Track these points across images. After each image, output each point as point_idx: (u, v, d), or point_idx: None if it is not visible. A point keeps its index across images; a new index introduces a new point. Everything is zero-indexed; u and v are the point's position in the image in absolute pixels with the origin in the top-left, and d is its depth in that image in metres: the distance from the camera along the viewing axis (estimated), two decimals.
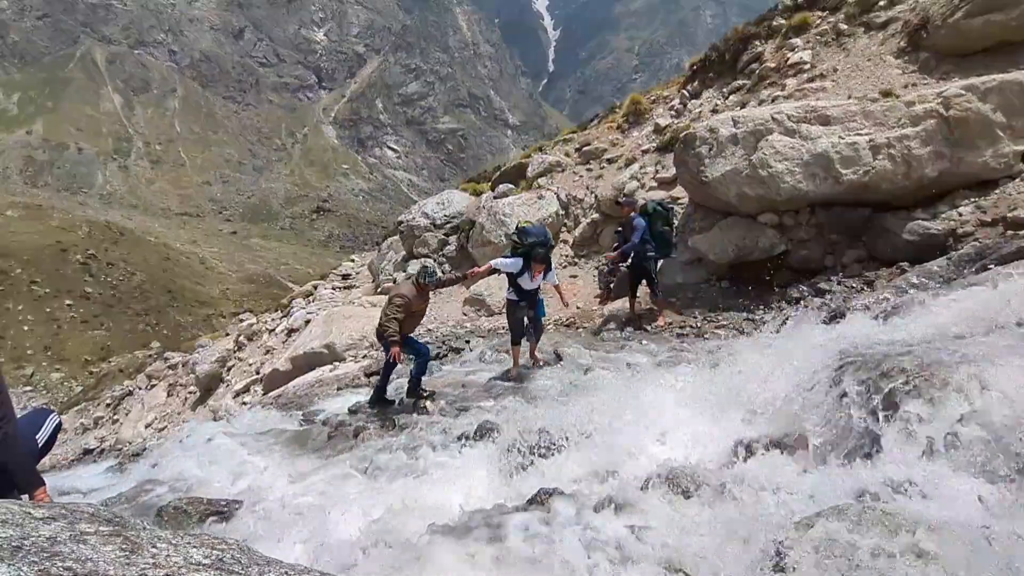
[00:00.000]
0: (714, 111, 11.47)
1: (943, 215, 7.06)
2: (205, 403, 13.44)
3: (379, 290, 13.99)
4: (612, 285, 9.49)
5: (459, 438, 4.62)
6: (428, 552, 2.70)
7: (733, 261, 8.44)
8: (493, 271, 6.58)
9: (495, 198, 12.74)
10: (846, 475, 2.66)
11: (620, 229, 8.45)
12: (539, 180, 13.32)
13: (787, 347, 4.30)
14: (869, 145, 7.33)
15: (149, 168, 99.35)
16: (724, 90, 12.20)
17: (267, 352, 13.60)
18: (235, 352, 14.98)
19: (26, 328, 43.14)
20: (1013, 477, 2.30)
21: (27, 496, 2.50)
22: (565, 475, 3.53)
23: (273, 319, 16.31)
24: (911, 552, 1.93)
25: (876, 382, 2.97)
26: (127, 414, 16.25)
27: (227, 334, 18.58)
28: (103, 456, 11.56)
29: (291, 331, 13.55)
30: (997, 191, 6.95)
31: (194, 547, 1.57)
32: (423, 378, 6.15)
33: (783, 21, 11.66)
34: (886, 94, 7.87)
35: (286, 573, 1.61)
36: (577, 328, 8.99)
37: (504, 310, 6.96)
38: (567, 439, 3.90)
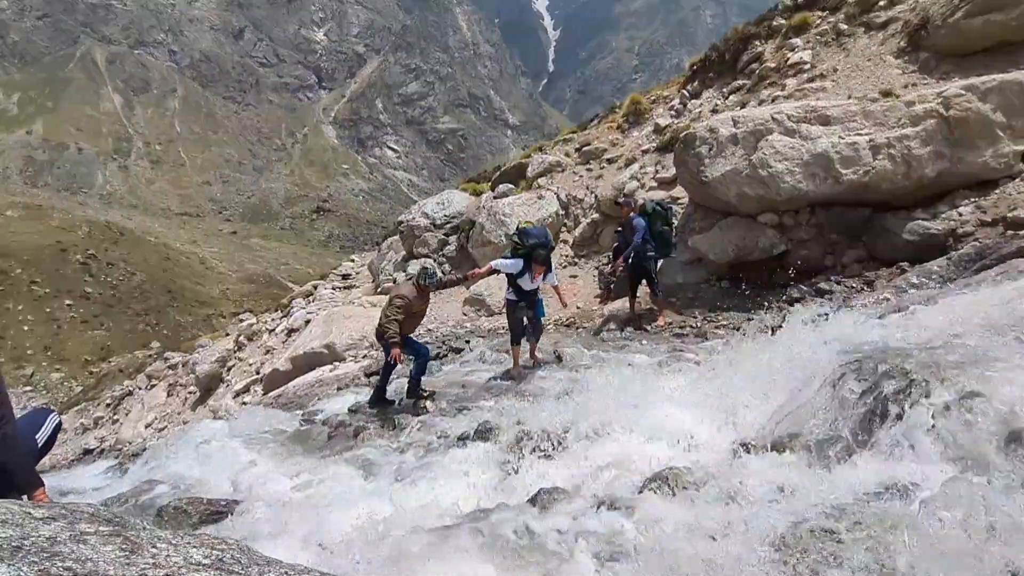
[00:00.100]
0: (714, 111, 11.47)
1: (943, 215, 7.07)
2: (205, 403, 13.44)
3: (379, 290, 13.99)
4: (612, 285, 9.49)
5: (459, 438, 4.62)
6: (428, 552, 2.70)
7: (733, 261, 8.44)
8: (493, 272, 6.59)
9: (495, 198, 12.74)
10: (846, 475, 2.66)
11: (620, 229, 8.45)
12: (539, 180, 13.32)
13: (787, 347, 4.30)
14: (869, 145, 7.34)
15: (149, 168, 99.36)
16: (724, 90, 12.20)
17: (267, 352, 13.60)
18: (235, 352, 14.98)
19: (26, 328, 43.15)
20: (1013, 477, 2.30)
21: (26, 497, 2.49)
22: (565, 475, 3.53)
23: (273, 319, 16.31)
24: (911, 552, 1.93)
25: (876, 382, 2.97)
26: (127, 414, 16.25)
27: (227, 334, 18.58)
28: (103, 456, 11.56)
29: (291, 331, 13.55)
30: (997, 191, 6.96)
31: (194, 547, 1.57)
32: (423, 378, 6.16)
33: (783, 21, 11.66)
34: (886, 94, 7.87)
35: (286, 573, 1.61)
36: (577, 328, 8.99)
37: (504, 310, 6.96)
38: (567, 439, 3.90)
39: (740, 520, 2.48)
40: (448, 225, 13.81)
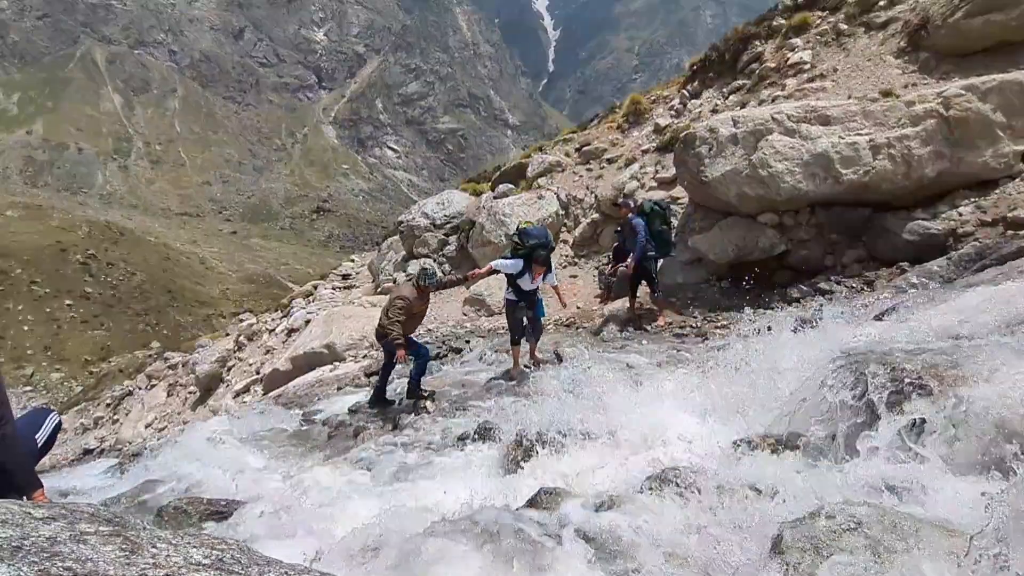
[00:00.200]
0: (714, 111, 11.47)
1: (943, 215, 7.07)
2: (205, 403, 13.44)
3: (379, 290, 13.99)
4: (612, 285, 9.49)
5: (459, 438, 4.62)
6: (428, 552, 2.70)
7: (733, 261, 8.44)
8: (493, 272, 6.59)
9: (495, 198, 12.74)
10: (845, 475, 2.66)
11: (620, 229, 8.46)
12: (539, 180, 13.33)
13: (787, 347, 4.30)
14: (869, 145, 7.34)
15: (149, 168, 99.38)
16: (724, 90, 12.20)
17: (267, 352, 13.61)
18: (235, 352, 14.98)
19: (26, 328, 43.15)
20: (1012, 478, 2.30)
21: (25, 497, 2.49)
22: (565, 475, 3.53)
23: (273, 319, 16.31)
24: (910, 551, 1.93)
25: (875, 382, 2.97)
26: (127, 414, 16.25)
27: (227, 334, 18.58)
28: (103, 456, 11.57)
29: (291, 331, 13.55)
30: (997, 191, 6.96)
31: (194, 547, 1.57)
32: (423, 378, 6.16)
33: (783, 21, 11.66)
34: (886, 94, 7.87)
35: (286, 573, 1.61)
36: (577, 328, 8.99)
37: (504, 310, 6.97)
38: (567, 439, 3.90)
39: (740, 520, 2.48)
40: (448, 225, 13.81)
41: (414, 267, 11.97)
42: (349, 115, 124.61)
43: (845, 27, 10.12)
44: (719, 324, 7.56)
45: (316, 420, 6.31)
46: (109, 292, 48.76)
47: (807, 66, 10.18)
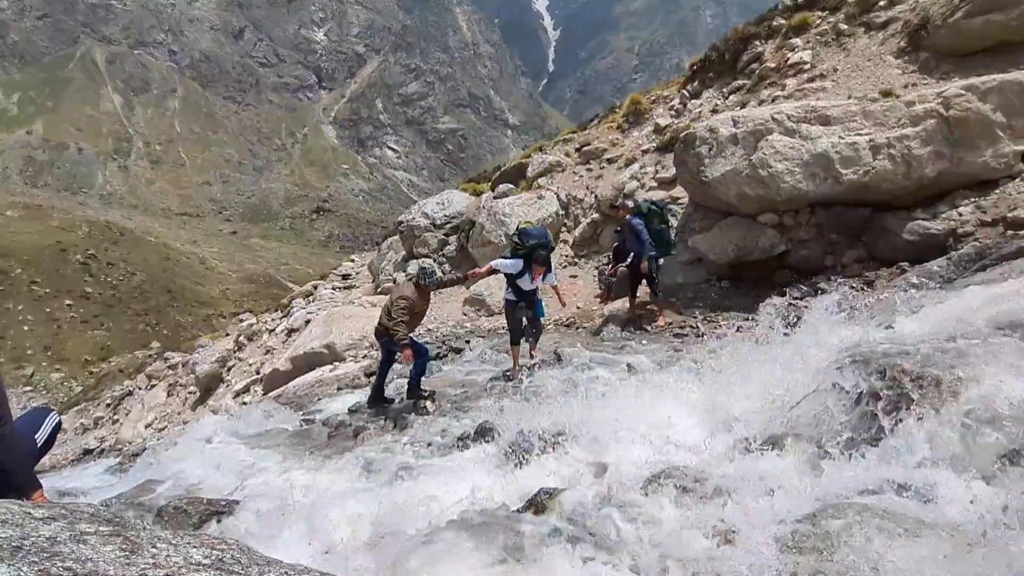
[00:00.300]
0: (714, 111, 11.47)
1: (943, 215, 7.07)
2: (205, 403, 13.44)
3: (379, 290, 13.99)
4: (612, 285, 9.49)
5: (459, 438, 4.62)
6: (427, 552, 2.70)
7: (733, 261, 8.44)
8: (493, 272, 6.59)
9: (495, 198, 12.74)
10: (844, 475, 2.66)
11: (619, 230, 8.46)
12: (539, 180, 13.32)
13: (787, 347, 4.30)
14: (869, 145, 7.34)
15: (149, 168, 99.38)
16: (724, 90, 12.20)
17: (267, 352, 13.61)
18: (235, 352, 14.98)
19: (26, 328, 43.15)
20: (1012, 477, 2.30)
21: (24, 498, 2.48)
22: (565, 475, 3.53)
23: (273, 319, 16.31)
24: (910, 552, 1.93)
25: (875, 382, 2.97)
26: (127, 414, 16.25)
27: (227, 334, 18.58)
28: (103, 456, 11.57)
29: (291, 331, 13.55)
30: (997, 191, 6.96)
31: (194, 547, 1.57)
32: (423, 378, 6.16)
33: (783, 21, 11.66)
34: (886, 94, 7.87)
35: (286, 573, 1.61)
36: (577, 328, 8.99)
37: (503, 310, 6.97)
38: (567, 439, 3.90)
39: (739, 519, 2.48)
40: (448, 225, 13.81)
41: (414, 267, 11.97)
42: (349, 115, 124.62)
43: (845, 27, 10.12)
44: (719, 324, 7.56)
45: (316, 420, 6.31)
46: (109, 292, 48.76)
47: (807, 66, 10.18)
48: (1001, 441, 2.43)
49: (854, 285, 7.05)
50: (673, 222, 9.83)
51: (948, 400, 2.68)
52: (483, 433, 4.46)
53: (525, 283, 6.35)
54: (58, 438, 3.25)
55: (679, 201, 10.17)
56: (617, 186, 11.22)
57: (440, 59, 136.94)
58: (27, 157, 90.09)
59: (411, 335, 6.11)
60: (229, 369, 14.25)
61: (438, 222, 13.87)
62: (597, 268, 10.62)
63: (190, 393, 14.68)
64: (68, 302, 45.91)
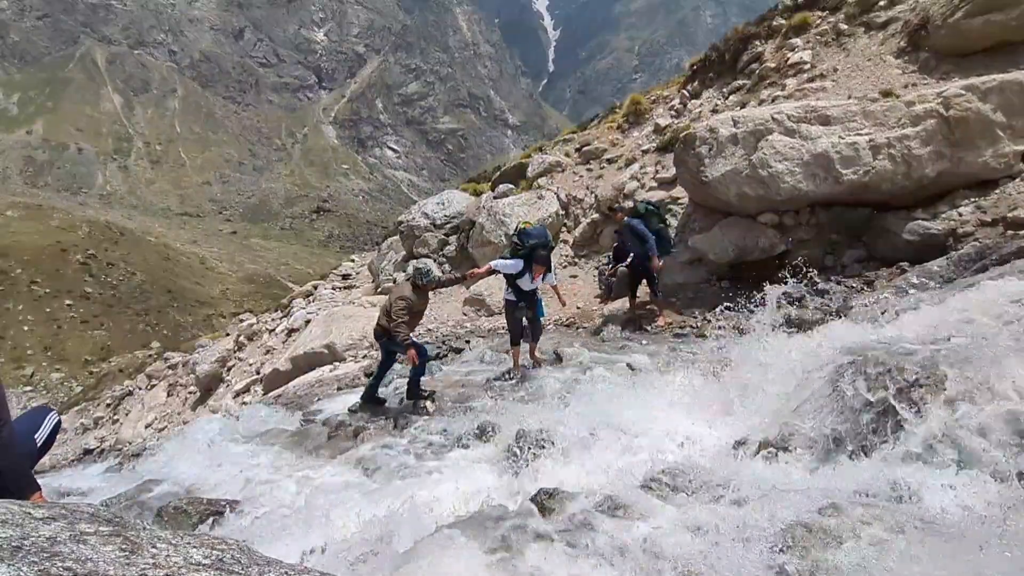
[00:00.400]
0: (714, 111, 11.47)
1: (943, 215, 7.06)
2: (205, 403, 13.44)
3: (379, 290, 13.99)
4: (612, 285, 9.49)
5: (459, 438, 4.62)
6: (428, 552, 2.70)
7: (733, 261, 8.44)
8: (492, 272, 6.58)
9: (495, 198, 12.74)
10: (844, 474, 2.66)
11: (619, 231, 8.45)
12: (539, 180, 13.32)
13: (787, 347, 4.30)
14: (869, 145, 7.33)
15: (149, 168, 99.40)
16: (724, 90, 12.20)
17: (267, 352, 13.60)
18: (235, 352, 14.98)
19: (26, 328, 43.14)
20: (1012, 477, 2.30)
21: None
22: (565, 475, 3.53)
23: (273, 319, 16.30)
24: (910, 551, 1.93)
25: (875, 382, 2.97)
26: (127, 414, 16.24)
27: (227, 334, 18.57)
28: (103, 456, 11.57)
29: (291, 331, 13.54)
30: (997, 191, 6.95)
31: (194, 547, 1.57)
32: (423, 378, 6.15)
33: (783, 21, 11.66)
34: (886, 94, 7.87)
35: (286, 573, 1.61)
36: (577, 328, 8.99)
37: (503, 310, 6.97)
38: (567, 439, 3.90)
39: (739, 519, 2.48)
40: (448, 225, 13.80)
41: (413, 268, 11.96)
42: (349, 115, 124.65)
43: (845, 27, 10.12)
44: (719, 324, 7.56)
45: (316, 420, 6.30)
46: (109, 292, 48.76)
47: (807, 66, 10.18)
48: (1001, 441, 2.43)
49: (854, 285, 7.06)
50: (673, 222, 9.84)
51: (948, 399, 2.68)
52: (483, 433, 4.46)
53: (525, 283, 6.34)
54: (58, 438, 3.25)
55: (679, 201, 10.17)
56: (617, 186, 11.22)
57: (440, 59, 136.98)
58: (27, 157, 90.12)
59: (411, 335, 6.11)
60: (229, 369, 14.25)
61: (438, 222, 13.86)
62: (597, 268, 10.62)
63: (190, 393, 14.68)
64: (68, 302, 45.90)
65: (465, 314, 10.95)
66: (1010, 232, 6.29)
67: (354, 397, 6.91)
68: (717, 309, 7.24)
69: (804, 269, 6.43)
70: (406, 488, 3.84)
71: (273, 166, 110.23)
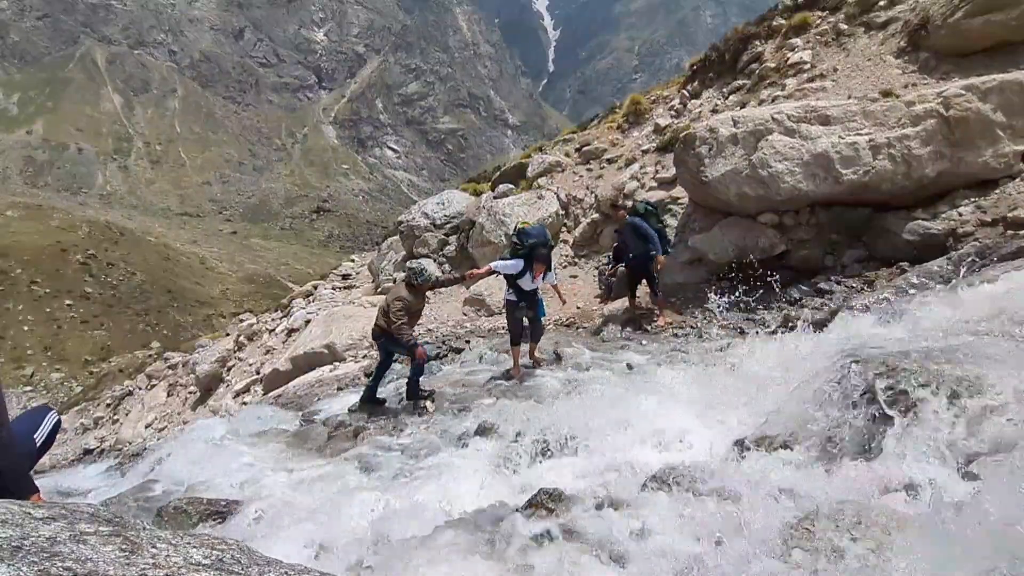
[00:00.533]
0: (714, 111, 11.47)
1: (943, 215, 7.06)
2: (205, 403, 13.44)
3: (379, 290, 13.99)
4: (612, 285, 9.49)
5: (459, 438, 4.62)
6: (427, 552, 2.70)
7: (733, 261, 8.44)
8: (492, 273, 6.58)
9: (495, 198, 12.74)
10: (844, 474, 2.66)
11: (619, 230, 8.47)
12: (539, 180, 13.32)
13: (787, 347, 4.30)
14: (869, 145, 7.33)
15: (149, 168, 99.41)
16: (724, 90, 12.19)
17: (267, 352, 13.60)
18: (235, 352, 14.98)
19: (26, 328, 43.14)
20: (1012, 477, 2.30)
21: None
22: (565, 475, 3.53)
23: (273, 319, 16.30)
24: (911, 551, 1.93)
25: (876, 382, 2.97)
26: (127, 414, 16.24)
27: (227, 334, 18.57)
28: (103, 456, 11.57)
29: (291, 331, 13.55)
30: (997, 191, 6.95)
31: (194, 547, 1.57)
32: (423, 378, 6.15)
33: (783, 21, 11.66)
34: (886, 94, 7.87)
35: (286, 573, 1.61)
36: (577, 328, 8.99)
37: (504, 310, 6.97)
38: (567, 439, 3.90)
39: (740, 519, 2.48)
40: (448, 225, 13.80)
41: None
42: (349, 115, 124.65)
43: (845, 27, 10.12)
44: (719, 324, 7.56)
45: (316, 420, 6.30)
46: (109, 292, 48.75)
47: (807, 66, 10.18)
48: (1002, 441, 2.43)
49: (854, 285, 7.06)
50: (673, 222, 9.85)
51: (949, 399, 2.68)
52: (483, 433, 4.46)
53: (526, 283, 6.34)
54: (58, 438, 3.24)
55: (679, 201, 10.16)
56: (617, 186, 11.22)
57: (440, 59, 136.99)
58: (27, 157, 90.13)
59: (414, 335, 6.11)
60: (229, 369, 14.25)
61: (438, 222, 13.86)
62: (597, 268, 10.63)
63: (190, 393, 14.68)
64: (68, 302, 45.90)
65: (465, 314, 10.95)
66: (1010, 232, 6.29)
67: (354, 397, 6.91)
68: (717, 309, 7.23)
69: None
70: (406, 488, 3.84)
71: (273, 166, 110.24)
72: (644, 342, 7.41)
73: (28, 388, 38.35)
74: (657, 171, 11.14)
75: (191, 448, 5.64)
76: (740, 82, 11.78)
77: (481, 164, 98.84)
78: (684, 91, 13.39)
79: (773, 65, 10.97)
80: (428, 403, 5.92)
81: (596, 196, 11.71)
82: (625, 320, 8.43)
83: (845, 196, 7.61)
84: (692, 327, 7.71)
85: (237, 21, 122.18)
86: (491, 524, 2.89)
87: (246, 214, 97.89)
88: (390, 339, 5.90)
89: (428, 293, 6.61)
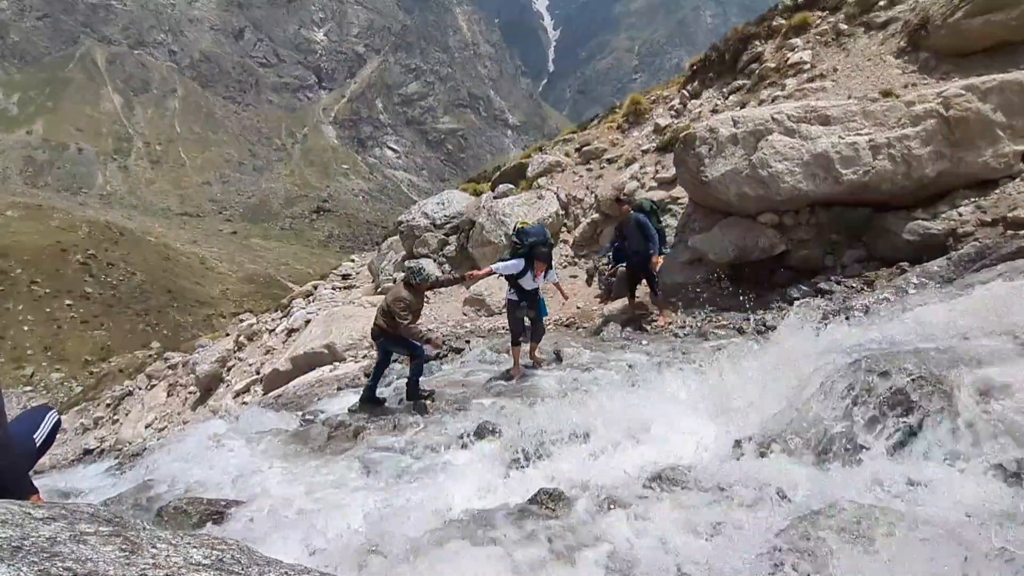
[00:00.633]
0: (714, 111, 11.47)
1: (943, 215, 7.06)
2: (205, 403, 13.44)
3: (379, 290, 14.00)
4: (612, 285, 9.50)
5: (459, 438, 4.62)
6: (427, 552, 2.70)
7: (733, 261, 8.44)
8: (493, 274, 6.58)
9: (495, 198, 12.75)
10: (844, 475, 2.66)
11: (618, 229, 8.46)
12: (539, 180, 13.32)
13: (786, 347, 4.30)
14: (869, 145, 7.33)
15: (149, 168, 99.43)
16: (724, 90, 12.20)
17: (267, 352, 13.60)
18: (235, 352, 14.98)
19: (26, 328, 43.15)
20: (1012, 477, 2.30)
21: None
22: (565, 475, 3.53)
23: (273, 319, 16.31)
24: (910, 550, 1.93)
25: (875, 382, 2.97)
26: (127, 414, 16.24)
27: (227, 334, 18.57)
28: (103, 456, 11.56)
29: (291, 331, 13.55)
30: (997, 191, 6.95)
31: (194, 547, 1.57)
32: (422, 378, 6.15)
33: (783, 21, 11.66)
34: (886, 94, 7.87)
35: (286, 573, 1.61)
36: (577, 328, 8.99)
37: (504, 310, 6.97)
38: (567, 439, 3.90)
39: (739, 519, 2.48)
40: (448, 225, 13.81)
41: None
42: (349, 115, 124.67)
43: (845, 27, 10.12)
44: (719, 324, 7.56)
45: (316, 420, 6.30)
46: (109, 292, 48.77)
47: (807, 66, 10.18)
48: (1002, 440, 2.43)
49: (854, 285, 7.06)
50: (673, 222, 9.86)
51: (948, 399, 2.68)
52: (483, 433, 4.46)
53: (527, 282, 6.35)
54: (58, 438, 3.23)
55: (679, 201, 10.17)
56: (617, 186, 11.22)
57: (440, 59, 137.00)
58: (27, 157, 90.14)
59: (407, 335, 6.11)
60: (229, 369, 14.25)
61: (438, 222, 13.87)
62: (597, 268, 10.62)
63: (190, 393, 14.68)
64: (68, 302, 45.91)
65: (465, 314, 10.95)
66: (1010, 232, 6.29)
67: (354, 397, 6.91)
68: (718, 310, 7.23)
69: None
70: (406, 488, 3.84)
71: (273, 166, 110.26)
72: (644, 342, 7.41)
73: (28, 388, 38.37)
74: (657, 171, 11.14)
75: (191, 448, 5.64)
76: (740, 82, 11.78)
77: (481, 164, 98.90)
78: (684, 91, 13.39)
79: (773, 65, 10.98)
80: (428, 403, 5.92)
81: (596, 196, 11.71)
82: (625, 320, 8.43)
83: (845, 196, 7.61)
84: (692, 327, 7.71)
85: (237, 21, 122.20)
86: (491, 524, 2.89)
87: (246, 214, 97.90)
88: (389, 339, 5.90)
89: (428, 293, 6.61)
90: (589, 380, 5.66)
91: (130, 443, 12.36)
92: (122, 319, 46.87)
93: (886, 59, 9.03)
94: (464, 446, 4.45)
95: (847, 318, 4.85)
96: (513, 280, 6.40)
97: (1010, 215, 6.50)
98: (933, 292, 5.04)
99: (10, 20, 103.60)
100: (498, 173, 16.29)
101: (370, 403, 6.16)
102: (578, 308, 9.66)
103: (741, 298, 7.80)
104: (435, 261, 13.07)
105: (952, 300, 4.21)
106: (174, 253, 60.31)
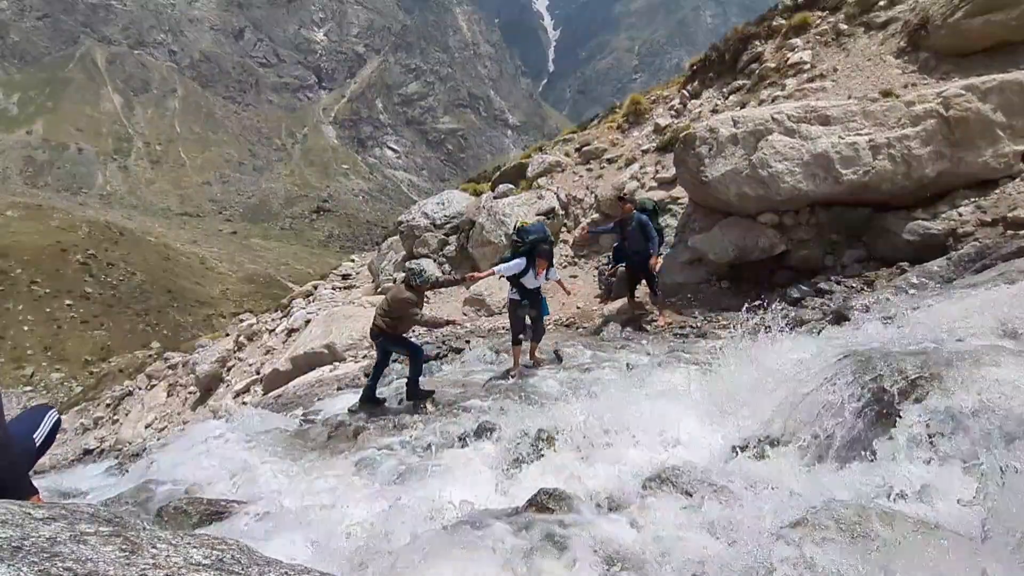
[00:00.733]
0: (714, 111, 11.47)
1: (943, 215, 7.07)
2: (205, 403, 13.44)
3: (379, 290, 13.99)
4: (612, 285, 9.50)
5: (459, 438, 4.62)
6: (427, 552, 2.70)
7: (733, 261, 8.44)
8: (492, 274, 6.58)
9: (495, 198, 12.75)
10: (843, 475, 2.66)
11: (621, 221, 8.44)
12: (539, 180, 13.32)
13: (786, 347, 4.30)
14: (869, 145, 7.34)
15: (149, 168, 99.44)
16: (724, 90, 12.20)
17: (267, 352, 13.60)
18: (235, 352, 14.98)
19: (26, 328, 43.16)
20: (1010, 476, 2.30)
21: None
22: (565, 475, 3.53)
23: (273, 319, 16.31)
24: (908, 551, 1.93)
25: (873, 383, 2.97)
26: (127, 414, 16.25)
27: (227, 334, 18.57)
28: (103, 456, 11.56)
29: (291, 331, 13.55)
30: (997, 191, 6.96)
31: (194, 547, 1.57)
32: (422, 378, 6.15)
33: (783, 21, 11.66)
34: (886, 94, 7.87)
35: (286, 573, 1.61)
36: (577, 328, 8.99)
37: (505, 309, 6.96)
38: (567, 439, 3.90)
39: (738, 519, 2.48)
40: (448, 225, 13.81)
41: None
42: (349, 115, 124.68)
43: (845, 27, 10.12)
44: (719, 324, 7.56)
45: (316, 420, 6.30)
46: (109, 292, 48.77)
47: (807, 66, 10.18)
48: (999, 440, 2.43)
49: (854, 285, 7.06)
50: (673, 222, 9.86)
51: (946, 399, 2.68)
52: (483, 433, 4.46)
53: (530, 280, 6.35)
54: (58, 438, 3.22)
55: (679, 201, 10.17)
56: (617, 186, 11.23)
57: (440, 59, 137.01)
58: (27, 157, 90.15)
59: (408, 335, 6.12)
60: (229, 369, 14.25)
61: (438, 222, 13.87)
62: (597, 268, 10.63)
63: (190, 393, 14.68)
64: (68, 302, 45.92)
65: (465, 314, 10.95)
66: (1010, 232, 6.30)
67: (354, 397, 6.91)
68: (718, 310, 7.23)
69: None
70: (405, 488, 3.84)
71: (273, 166, 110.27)
72: (644, 342, 7.41)
73: (28, 388, 38.37)
74: (657, 171, 11.15)
75: (191, 448, 5.64)
76: (740, 82, 11.79)
77: (481, 164, 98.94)
78: (684, 91, 13.40)
79: (773, 65, 10.98)
80: (428, 403, 5.92)
81: (596, 196, 11.71)
82: (625, 320, 8.43)
83: (845, 196, 7.62)
84: (692, 327, 7.71)
85: (237, 21, 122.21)
86: (491, 524, 2.89)
87: (246, 214, 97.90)
88: (389, 339, 5.90)
89: (428, 293, 6.60)
90: (589, 380, 5.65)
91: (130, 443, 12.36)
92: (122, 319, 46.88)
93: (886, 59, 9.03)
94: (464, 446, 4.45)
95: (847, 319, 4.85)
96: (515, 279, 6.40)
97: (1010, 215, 6.51)
98: (933, 292, 5.04)
99: (10, 20, 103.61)
100: (498, 173, 16.30)
101: (370, 403, 6.15)
102: (578, 308, 9.66)
103: (741, 298, 7.80)
104: (435, 261, 13.07)
105: (952, 300, 4.21)
106: (174, 253, 60.32)
